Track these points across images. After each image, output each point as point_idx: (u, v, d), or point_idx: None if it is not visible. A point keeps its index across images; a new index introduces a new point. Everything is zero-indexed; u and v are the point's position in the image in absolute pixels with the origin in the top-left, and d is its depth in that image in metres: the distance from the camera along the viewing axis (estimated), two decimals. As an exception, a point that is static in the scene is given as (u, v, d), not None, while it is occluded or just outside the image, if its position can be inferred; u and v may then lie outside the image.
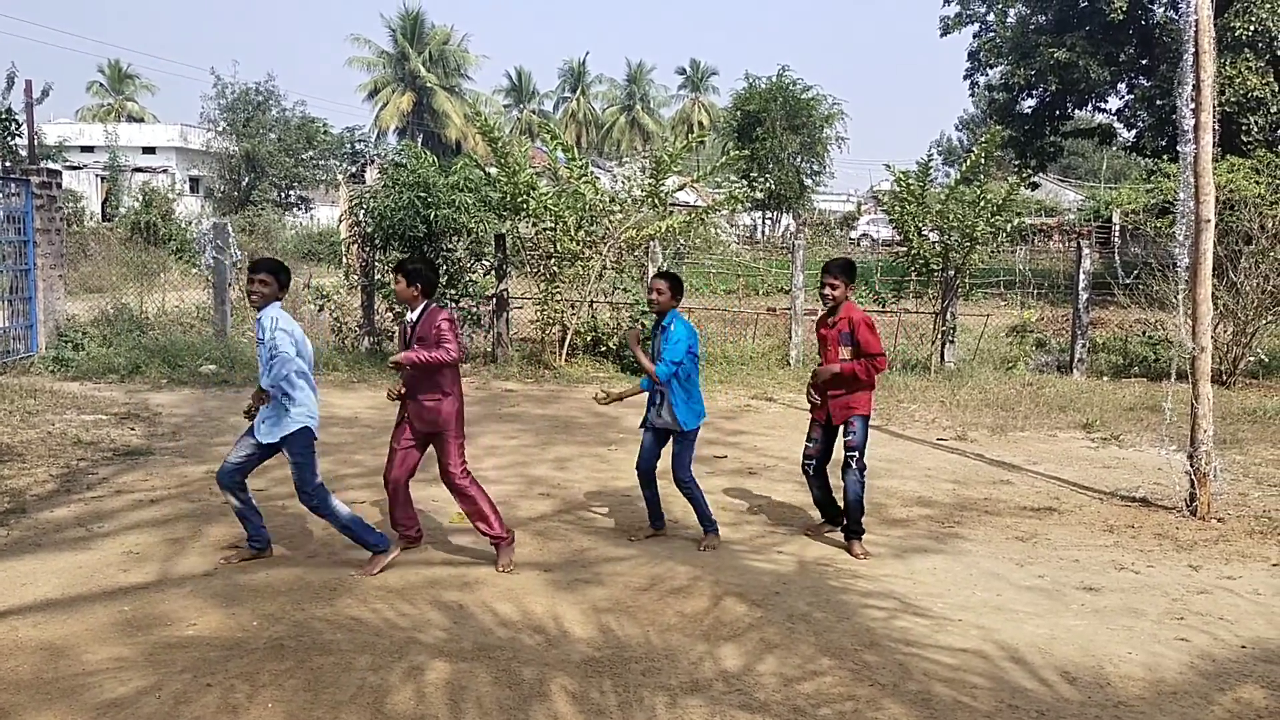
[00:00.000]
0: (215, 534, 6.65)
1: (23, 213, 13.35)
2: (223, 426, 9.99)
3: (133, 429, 9.78)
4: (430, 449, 6.22)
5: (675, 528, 7.13)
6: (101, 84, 68.76)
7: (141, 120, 61.08)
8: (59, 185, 14.19)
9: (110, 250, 25.43)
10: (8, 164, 28.34)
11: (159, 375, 12.60)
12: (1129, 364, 14.78)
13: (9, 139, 29.67)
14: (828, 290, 6.66)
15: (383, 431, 10.13)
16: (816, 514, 7.33)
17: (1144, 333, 15.34)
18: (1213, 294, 8.10)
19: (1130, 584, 6.15)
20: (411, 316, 6.15)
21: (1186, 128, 7.52)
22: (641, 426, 6.89)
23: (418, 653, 4.87)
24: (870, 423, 6.83)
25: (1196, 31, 7.42)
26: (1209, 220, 7.56)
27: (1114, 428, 10.81)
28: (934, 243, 14.89)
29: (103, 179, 39.80)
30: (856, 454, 6.62)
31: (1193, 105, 7.46)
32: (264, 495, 7.55)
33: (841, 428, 6.73)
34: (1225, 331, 13.26)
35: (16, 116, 29.86)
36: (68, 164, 36.34)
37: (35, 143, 30.17)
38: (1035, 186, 41.11)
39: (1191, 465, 7.69)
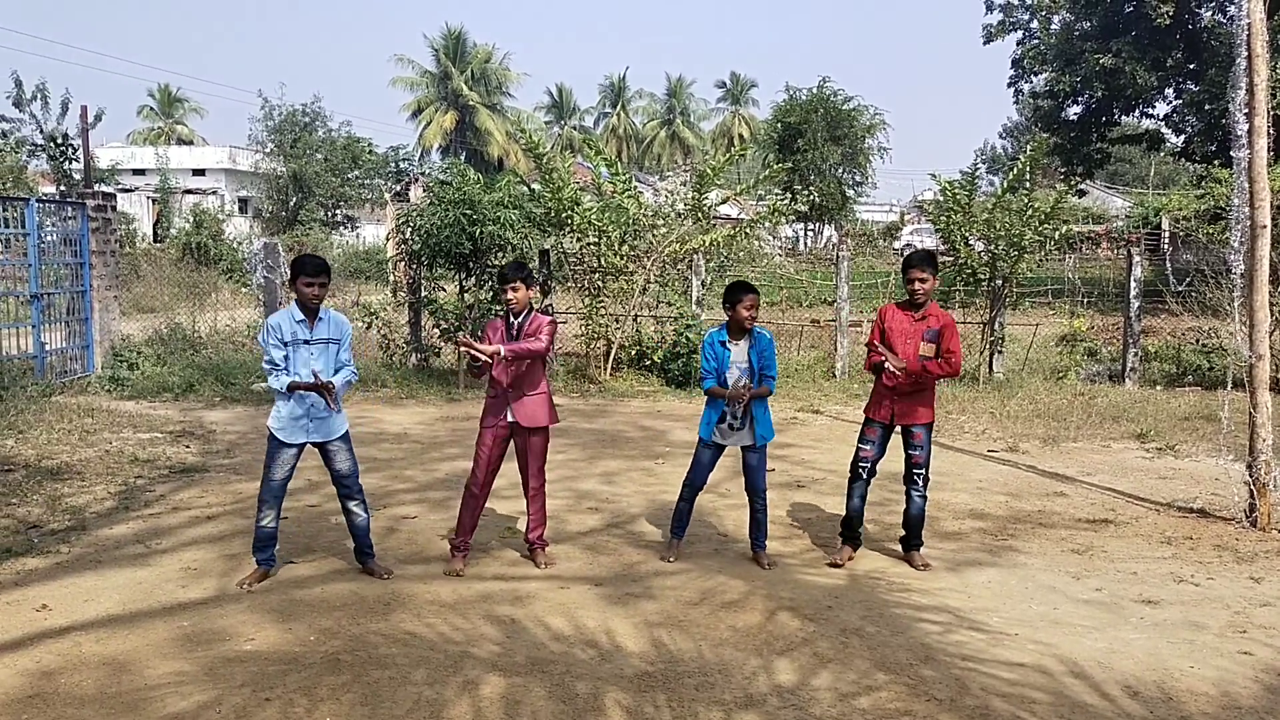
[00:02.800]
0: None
1: (79, 235, 13.65)
2: (275, 443, 10.11)
3: (188, 447, 9.93)
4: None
5: (725, 541, 7.11)
6: (152, 108, 70.18)
7: (191, 143, 62.20)
8: (113, 208, 14.48)
9: (162, 271, 25.89)
10: (64, 188, 29.00)
11: (212, 393, 12.80)
12: (1182, 373, 14.54)
13: (65, 163, 30.37)
14: (917, 285, 6.46)
15: (431, 447, 10.23)
16: (866, 528, 7.28)
17: (1197, 341, 15.10)
18: (1270, 300, 7.95)
19: (1190, 596, 6.04)
20: (517, 320, 6.34)
21: (1240, 132, 7.40)
22: (703, 442, 6.63)
23: (472, 667, 4.89)
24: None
25: (1249, 34, 7.31)
26: (1265, 225, 7.43)
27: (1169, 438, 10.64)
28: (981, 252, 14.77)
29: (154, 201, 40.57)
30: (923, 470, 6.55)
31: (1246, 109, 7.35)
32: (317, 510, 7.65)
33: (904, 437, 6.59)
34: (1283, 339, 13.00)
35: (72, 141, 30.58)
36: (120, 186, 37.08)
37: (90, 166, 30.81)
38: (1082, 194, 40.68)
39: (1251, 475, 7.55)
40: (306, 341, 6.05)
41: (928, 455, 6.57)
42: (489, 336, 6.39)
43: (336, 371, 6.13)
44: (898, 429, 6.63)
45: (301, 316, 6.06)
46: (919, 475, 6.55)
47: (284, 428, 6.08)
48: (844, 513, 6.78)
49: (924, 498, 6.60)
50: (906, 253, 42.56)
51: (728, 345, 6.52)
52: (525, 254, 14.85)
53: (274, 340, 6.03)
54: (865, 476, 6.67)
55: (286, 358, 6.03)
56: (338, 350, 6.18)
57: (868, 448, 6.64)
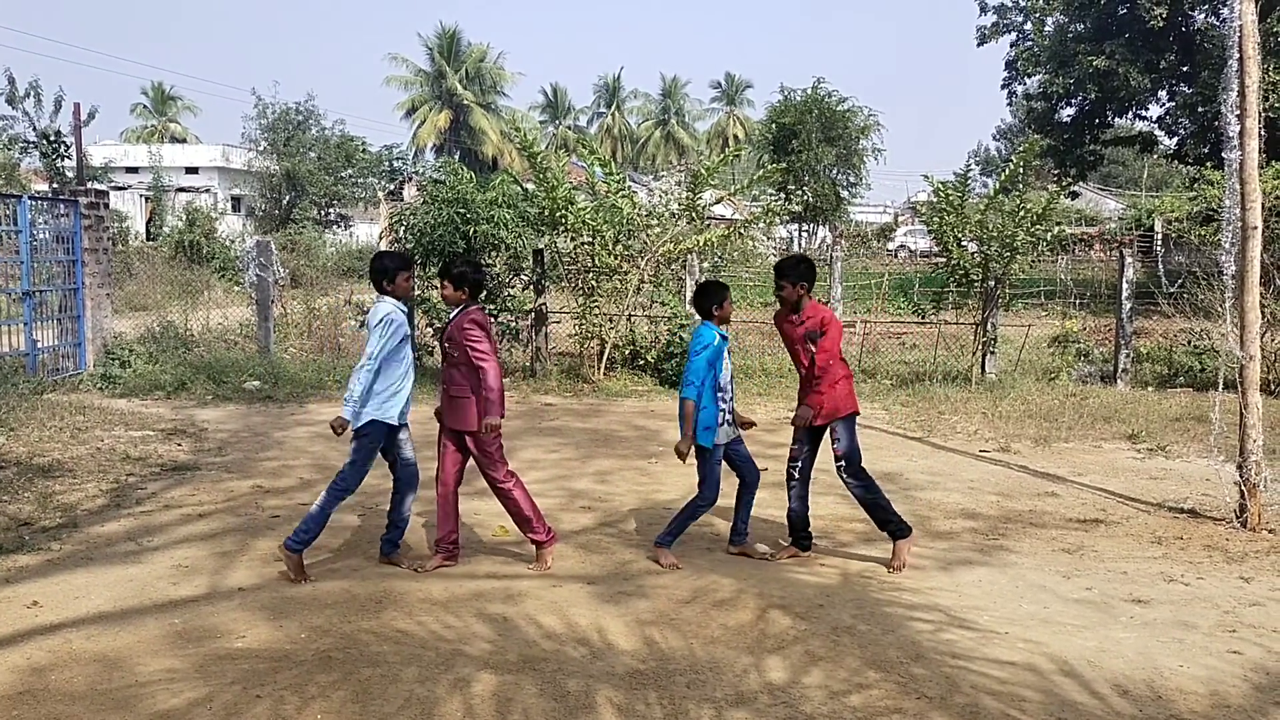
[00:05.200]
0: (262, 547, 6.72)
1: (71, 233, 13.62)
2: (267, 442, 10.11)
3: (180, 445, 9.92)
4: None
5: (718, 541, 7.12)
6: (145, 106, 70.06)
7: (184, 141, 62.13)
8: (106, 206, 14.45)
9: (155, 269, 25.88)
10: (56, 185, 28.95)
11: (204, 391, 12.78)
12: (1174, 374, 14.58)
13: (58, 161, 30.31)
14: (777, 291, 6.54)
15: (424, 446, 10.20)
16: (851, 527, 7.30)
17: (1189, 342, 15.11)
18: (1260, 302, 7.98)
19: (1180, 596, 6.06)
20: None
21: (1231, 134, 7.43)
22: (716, 449, 6.50)
23: (464, 665, 4.90)
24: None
25: (1241, 37, 7.33)
26: (1256, 227, 7.45)
27: (1160, 438, 10.67)
28: (973, 253, 14.79)
29: (147, 199, 40.52)
30: (843, 461, 6.48)
31: (1238, 111, 7.37)
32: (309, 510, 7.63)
33: (828, 432, 6.56)
34: (1274, 340, 13.05)
35: (65, 139, 30.52)
36: (113, 184, 37.01)
37: (82, 164, 30.75)
38: (1075, 196, 40.76)
39: (1241, 476, 7.57)
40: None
41: (848, 445, 6.47)
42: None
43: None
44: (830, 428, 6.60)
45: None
46: (841, 467, 6.49)
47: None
48: (787, 516, 6.78)
49: (863, 486, 6.49)
50: (900, 254, 42.28)
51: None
52: (519, 253, 14.86)
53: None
54: (797, 476, 6.64)
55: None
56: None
57: (796, 446, 6.65)
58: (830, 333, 6.38)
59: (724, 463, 6.57)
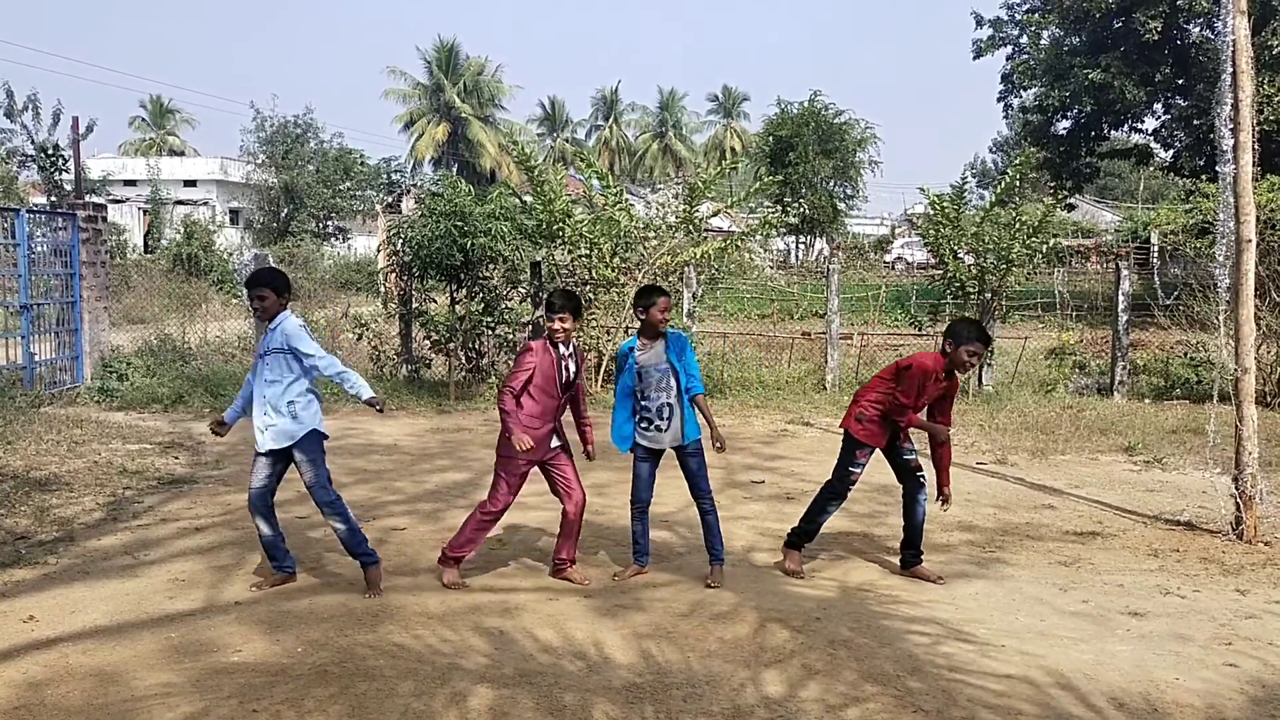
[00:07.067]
0: (259, 561, 6.71)
1: (69, 246, 13.64)
2: (264, 455, 10.10)
3: (177, 458, 9.92)
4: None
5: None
6: (144, 119, 70.20)
7: (182, 154, 62.25)
8: (104, 219, 14.47)
9: (153, 282, 25.88)
10: (54, 199, 28.97)
11: (201, 405, 12.78)
12: (1170, 386, 14.60)
13: (56, 174, 30.36)
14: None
15: (421, 459, 10.23)
16: (850, 540, 7.32)
17: (1185, 354, 15.15)
18: (1255, 314, 8.00)
19: (1176, 609, 6.07)
20: (566, 350, 6.24)
21: (1225, 147, 7.46)
22: (636, 454, 6.56)
23: (460, 679, 4.89)
24: (915, 448, 6.74)
25: (1234, 50, 7.38)
26: (1250, 240, 7.48)
27: (1157, 451, 10.68)
28: (970, 265, 14.83)
29: (145, 212, 40.54)
30: (923, 474, 6.67)
31: (1232, 125, 7.41)
32: (305, 522, 7.63)
33: (889, 449, 6.67)
34: (1269, 352, 13.07)
35: (63, 152, 30.59)
36: (111, 197, 37.07)
37: (80, 177, 30.79)
38: (1071, 208, 40.83)
39: (1237, 488, 7.58)
40: (263, 353, 6.10)
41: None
42: (528, 359, 6.22)
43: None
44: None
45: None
46: (921, 478, 6.67)
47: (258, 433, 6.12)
48: (812, 527, 6.77)
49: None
50: (896, 266, 42.36)
51: (634, 352, 6.45)
52: (517, 265, 14.88)
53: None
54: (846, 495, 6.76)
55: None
56: (283, 358, 6.06)
57: (857, 470, 6.67)
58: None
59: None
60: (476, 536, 6.31)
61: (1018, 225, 14.37)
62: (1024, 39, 31.15)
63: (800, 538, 6.78)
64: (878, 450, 6.66)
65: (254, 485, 6.13)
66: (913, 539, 6.66)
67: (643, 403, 6.44)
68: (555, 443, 6.35)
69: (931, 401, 6.53)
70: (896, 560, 6.81)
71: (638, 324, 6.61)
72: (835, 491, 6.71)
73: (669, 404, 6.43)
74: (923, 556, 6.67)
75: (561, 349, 6.20)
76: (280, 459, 6.13)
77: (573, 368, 6.27)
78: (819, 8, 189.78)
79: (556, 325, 6.14)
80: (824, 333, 15.84)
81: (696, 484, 6.54)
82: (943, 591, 6.37)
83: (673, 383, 6.42)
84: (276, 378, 6.05)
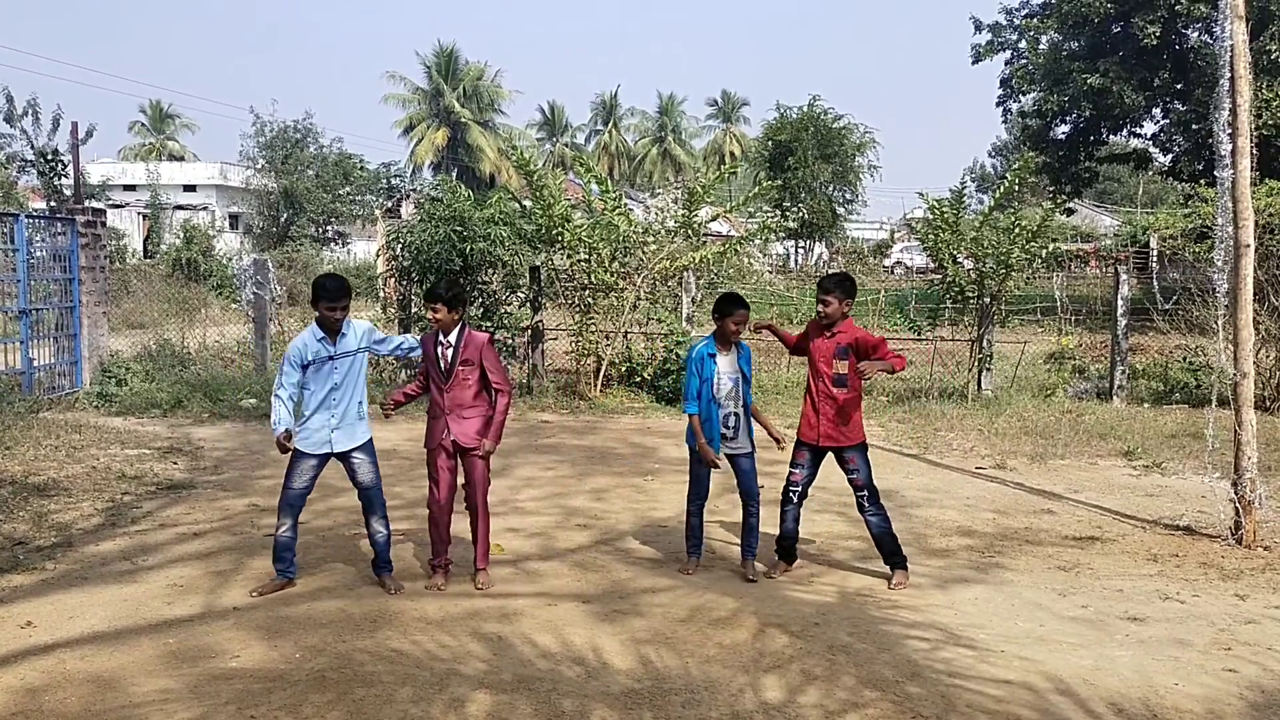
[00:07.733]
0: (258, 567, 6.71)
1: (68, 251, 13.64)
2: (264, 460, 10.10)
3: (176, 463, 9.91)
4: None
5: (714, 559, 7.11)
6: (143, 124, 70.30)
7: (182, 159, 62.25)
8: (103, 224, 14.47)
9: (152, 287, 25.85)
10: (53, 204, 28.95)
11: (201, 410, 12.77)
12: (1170, 390, 14.59)
13: (55, 179, 30.37)
14: (820, 307, 6.53)
15: (420, 464, 10.16)
16: (848, 545, 7.31)
17: (1184, 359, 15.15)
18: (1254, 319, 8.00)
19: (1176, 614, 6.06)
20: (450, 339, 6.30)
21: (1224, 152, 7.47)
22: (695, 458, 6.64)
23: (459, 684, 4.89)
24: (858, 467, 6.59)
25: (1232, 55, 7.38)
26: (1249, 245, 7.49)
27: (1156, 455, 10.68)
28: (969, 270, 14.83)
29: (144, 217, 40.55)
30: (865, 490, 6.53)
31: (1230, 130, 7.41)
32: (305, 527, 7.61)
33: (837, 460, 6.58)
34: (1268, 357, 13.07)
35: (63, 157, 30.59)
36: (111, 202, 37.05)
37: (80, 182, 30.76)
38: (1070, 212, 40.91)
39: (1236, 493, 7.58)
40: (330, 358, 6.17)
41: (866, 475, 6.54)
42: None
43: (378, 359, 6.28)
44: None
45: (323, 335, 6.18)
46: (863, 496, 6.54)
47: (306, 437, 6.18)
48: (778, 533, 6.78)
49: (880, 517, 6.55)
50: (896, 270, 42.47)
51: (715, 358, 6.57)
52: (516, 270, 14.88)
53: (292, 366, 6.14)
54: (795, 500, 6.69)
55: (303, 381, 6.18)
56: (359, 359, 6.29)
57: (797, 471, 6.66)
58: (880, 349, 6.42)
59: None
60: (432, 532, 6.44)
61: (1017, 230, 14.36)
62: (1023, 44, 31.19)
63: (782, 547, 6.81)
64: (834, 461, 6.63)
65: (296, 486, 6.26)
66: (881, 551, 6.64)
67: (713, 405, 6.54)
68: (465, 437, 6.36)
69: (827, 358, 6.51)
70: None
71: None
72: (783, 494, 6.75)
73: (736, 413, 6.61)
74: (907, 562, 6.64)
75: (441, 337, 6.31)
76: (324, 463, 6.28)
77: (450, 356, 6.30)
78: (819, 12, 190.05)
79: (429, 315, 6.31)
80: (823, 337, 15.80)
81: (749, 486, 6.68)
82: (942, 596, 6.36)
83: (741, 392, 6.60)
84: (350, 380, 6.25)
